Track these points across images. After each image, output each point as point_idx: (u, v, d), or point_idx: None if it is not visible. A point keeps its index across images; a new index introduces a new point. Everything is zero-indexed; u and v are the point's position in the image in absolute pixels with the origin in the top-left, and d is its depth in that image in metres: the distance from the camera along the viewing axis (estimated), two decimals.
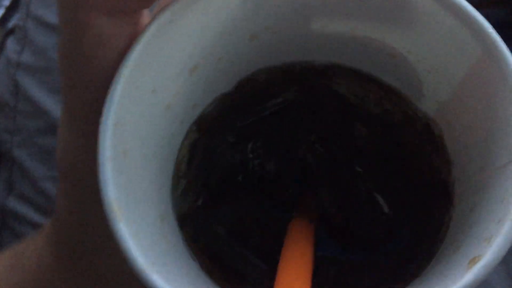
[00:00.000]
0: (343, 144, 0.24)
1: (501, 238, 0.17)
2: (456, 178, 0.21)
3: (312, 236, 0.21)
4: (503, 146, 0.18)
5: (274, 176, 0.24)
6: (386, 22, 0.20)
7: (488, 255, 0.17)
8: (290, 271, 0.19)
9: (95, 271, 0.25)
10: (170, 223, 0.21)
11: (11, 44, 0.44)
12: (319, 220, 0.23)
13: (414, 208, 0.23)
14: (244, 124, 0.24)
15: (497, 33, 0.18)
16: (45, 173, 0.41)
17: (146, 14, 0.20)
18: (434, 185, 0.22)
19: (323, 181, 0.24)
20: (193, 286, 0.19)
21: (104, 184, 0.17)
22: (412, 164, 0.23)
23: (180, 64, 0.20)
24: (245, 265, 0.22)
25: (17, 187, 0.42)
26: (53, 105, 0.42)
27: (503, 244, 0.17)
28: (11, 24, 0.44)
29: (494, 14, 0.36)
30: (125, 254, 0.17)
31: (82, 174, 0.21)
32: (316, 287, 0.19)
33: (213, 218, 0.23)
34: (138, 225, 0.18)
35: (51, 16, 0.43)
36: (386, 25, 0.20)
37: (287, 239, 0.21)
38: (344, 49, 0.22)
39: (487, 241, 0.17)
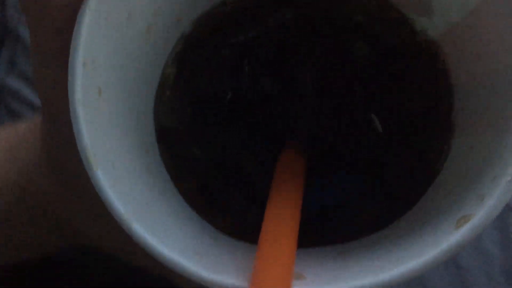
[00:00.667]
0: (343, 63, 0.22)
1: (494, 198, 0.15)
2: (460, 109, 0.19)
3: (303, 171, 0.20)
4: None
5: (268, 96, 0.23)
6: None
7: (479, 216, 0.15)
8: (279, 210, 0.18)
9: (81, 185, 0.24)
10: (151, 152, 0.20)
11: None
12: (311, 147, 0.22)
13: (412, 134, 0.21)
14: (236, 40, 0.22)
15: None
16: None
17: None
18: (436, 112, 0.20)
19: (319, 100, 0.23)
20: (176, 225, 0.18)
21: (78, 132, 0.16)
22: (414, 88, 0.21)
23: None
24: (228, 197, 0.21)
25: (18, 66, 0.41)
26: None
27: (495, 205, 0.15)
28: None
29: None
30: (105, 203, 0.16)
31: (57, 109, 0.21)
32: (305, 219, 0.18)
33: (196, 142, 0.22)
34: (118, 167, 0.17)
35: None
36: None
37: (277, 173, 0.20)
38: None
39: (480, 199, 0.16)
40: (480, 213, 0.15)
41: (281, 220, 0.17)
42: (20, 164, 0.27)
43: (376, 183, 0.21)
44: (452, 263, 0.35)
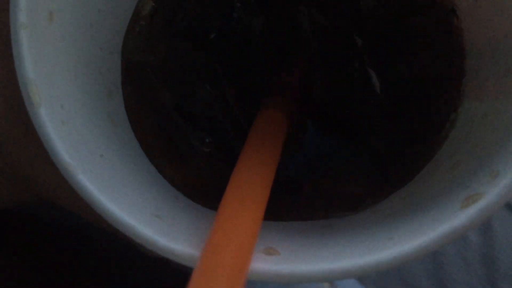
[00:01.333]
0: (345, 10, 0.19)
1: (510, 177, 0.13)
2: (470, 75, 0.17)
3: (283, 132, 0.17)
4: None
5: (257, 38, 0.20)
6: None
7: (490, 195, 0.13)
8: (248, 173, 0.15)
9: (24, 175, 0.22)
10: (114, 95, 0.18)
11: None
12: (296, 107, 0.19)
13: (415, 98, 0.18)
14: None
15: None
16: None
17: None
18: (446, 75, 0.18)
19: (314, 56, 0.20)
20: (133, 182, 0.16)
21: (19, 60, 0.14)
22: (424, 46, 0.19)
23: None
24: (193, 154, 0.19)
25: None
26: None
27: (510, 185, 0.13)
28: None
29: None
30: (46, 146, 0.14)
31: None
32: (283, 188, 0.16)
33: (167, 84, 0.19)
34: (68, 107, 0.15)
35: None
36: None
37: (253, 131, 0.17)
38: None
39: (493, 176, 0.13)
40: (492, 192, 0.13)
41: (248, 184, 0.15)
42: None
43: (369, 153, 0.19)
44: None
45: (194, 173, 0.18)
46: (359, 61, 0.19)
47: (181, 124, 0.19)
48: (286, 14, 0.20)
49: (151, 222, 0.14)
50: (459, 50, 0.17)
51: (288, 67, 0.20)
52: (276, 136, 0.17)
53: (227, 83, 0.19)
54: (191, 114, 0.19)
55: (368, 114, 0.19)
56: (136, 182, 0.16)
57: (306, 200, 0.18)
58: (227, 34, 0.20)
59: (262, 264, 0.13)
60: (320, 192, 0.18)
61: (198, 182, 0.18)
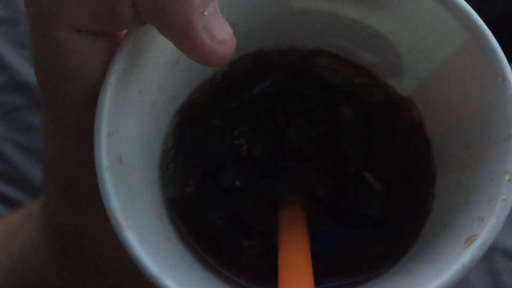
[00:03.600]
0: (329, 126, 0.24)
1: (494, 218, 0.17)
2: (438, 155, 0.22)
3: (305, 223, 0.21)
4: (490, 127, 0.19)
5: (262, 161, 0.24)
6: (369, 5, 0.20)
7: (483, 235, 0.17)
8: (291, 256, 0.19)
9: (90, 257, 0.25)
10: (164, 216, 0.21)
11: None
12: (310, 203, 0.23)
13: (401, 183, 0.23)
14: (229, 109, 0.24)
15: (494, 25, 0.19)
16: (4, 133, 0.39)
17: None
18: (417, 161, 0.22)
19: (313, 163, 0.24)
20: (200, 283, 0.19)
21: (106, 196, 0.17)
22: (395, 141, 0.23)
23: (163, 61, 0.20)
24: (240, 251, 0.22)
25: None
26: (17, 60, 0.39)
27: (496, 224, 0.17)
28: None
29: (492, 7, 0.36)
30: (136, 262, 0.17)
31: (74, 178, 0.22)
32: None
33: (203, 205, 0.23)
34: (143, 230, 0.18)
35: None
36: (368, 7, 0.20)
37: (281, 226, 0.21)
38: (325, 30, 0.22)
39: (481, 220, 0.18)
40: (484, 232, 0.17)
41: (295, 264, 0.18)
42: (16, 252, 0.27)
43: (376, 228, 0.23)
44: None
45: (244, 269, 0.22)
46: (352, 163, 0.24)
47: (225, 233, 0.23)
48: (278, 138, 0.24)
49: None
50: (423, 135, 0.22)
51: (293, 174, 0.24)
52: (301, 223, 0.20)
53: (248, 196, 0.23)
54: (232, 225, 0.23)
55: (370, 202, 0.23)
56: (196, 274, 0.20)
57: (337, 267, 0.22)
58: (239, 161, 0.24)
59: None
60: (345, 262, 0.22)
61: (250, 275, 0.21)
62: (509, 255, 0.35)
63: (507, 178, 0.18)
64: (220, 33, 0.16)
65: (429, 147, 0.22)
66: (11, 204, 0.37)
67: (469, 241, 0.17)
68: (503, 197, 0.17)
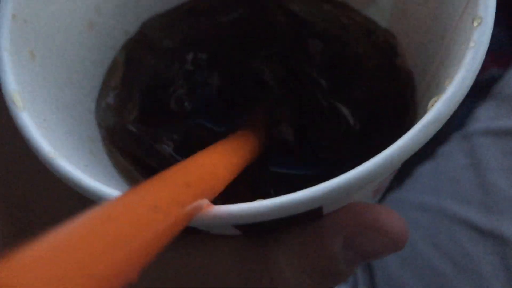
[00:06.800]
0: (301, 59, 0.22)
1: (464, 67, 0.15)
2: (419, 75, 0.20)
3: (251, 147, 0.19)
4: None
5: (219, 91, 0.22)
6: None
7: (454, 82, 0.14)
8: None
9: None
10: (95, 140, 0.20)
11: None
12: (271, 139, 0.21)
13: (379, 119, 0.21)
14: (186, 36, 0.22)
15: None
16: None
17: None
18: (396, 93, 0.20)
19: (280, 96, 0.22)
20: (104, 175, 0.18)
21: (3, 74, 0.16)
22: (372, 74, 0.21)
23: None
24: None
25: None
26: None
27: (467, 75, 0.14)
28: None
29: None
30: (29, 143, 0.15)
31: None
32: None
33: (147, 133, 0.21)
34: (45, 118, 0.17)
35: None
36: None
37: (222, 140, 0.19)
38: None
39: (450, 79, 0.15)
40: (454, 81, 0.14)
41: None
42: None
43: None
44: None
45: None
46: (325, 100, 0.22)
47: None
48: (242, 69, 0.22)
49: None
50: (404, 65, 0.20)
51: (255, 109, 0.22)
52: (243, 146, 0.18)
53: (203, 127, 0.22)
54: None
55: (346, 139, 0.21)
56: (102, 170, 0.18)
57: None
58: (192, 90, 0.22)
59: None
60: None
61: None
62: None
63: (475, 24, 0.15)
64: None
65: (410, 74, 0.20)
66: None
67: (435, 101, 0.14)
68: (471, 44, 0.15)
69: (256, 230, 0.17)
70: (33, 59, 0.17)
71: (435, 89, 0.17)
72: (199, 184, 0.14)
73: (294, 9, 0.22)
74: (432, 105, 0.14)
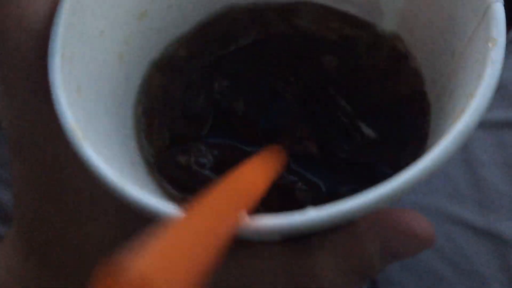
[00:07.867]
0: (317, 77, 0.23)
1: (485, 81, 0.16)
2: (429, 83, 0.21)
3: (278, 162, 0.20)
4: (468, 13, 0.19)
5: (245, 115, 0.23)
6: None
7: (479, 92, 0.16)
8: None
9: (62, 262, 0.23)
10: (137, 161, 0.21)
11: None
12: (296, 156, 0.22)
13: (397, 126, 0.22)
14: (208, 64, 0.23)
15: None
16: None
17: None
18: (411, 96, 0.22)
19: (302, 116, 0.23)
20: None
21: (61, 111, 0.17)
22: (386, 83, 0.23)
23: (125, 9, 0.20)
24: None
25: None
26: None
27: (488, 88, 0.16)
28: None
29: None
30: (93, 170, 0.16)
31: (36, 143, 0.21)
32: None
33: (183, 157, 0.22)
34: (103, 148, 0.17)
35: None
36: None
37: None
38: None
39: (471, 96, 0.17)
40: (478, 91, 0.16)
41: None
42: None
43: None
44: None
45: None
46: (345, 117, 0.23)
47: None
48: (264, 91, 0.23)
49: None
50: (415, 69, 0.22)
51: (279, 130, 0.23)
52: (273, 160, 0.20)
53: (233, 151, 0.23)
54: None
55: (366, 151, 0.22)
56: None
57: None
58: (219, 118, 0.23)
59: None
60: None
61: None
62: None
63: (490, 45, 0.17)
64: None
65: (421, 78, 0.21)
66: None
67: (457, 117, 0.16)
68: (489, 62, 0.17)
69: (296, 237, 0.18)
70: (79, 94, 0.18)
71: (448, 98, 0.19)
72: (246, 195, 0.16)
73: (304, 25, 0.23)
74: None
